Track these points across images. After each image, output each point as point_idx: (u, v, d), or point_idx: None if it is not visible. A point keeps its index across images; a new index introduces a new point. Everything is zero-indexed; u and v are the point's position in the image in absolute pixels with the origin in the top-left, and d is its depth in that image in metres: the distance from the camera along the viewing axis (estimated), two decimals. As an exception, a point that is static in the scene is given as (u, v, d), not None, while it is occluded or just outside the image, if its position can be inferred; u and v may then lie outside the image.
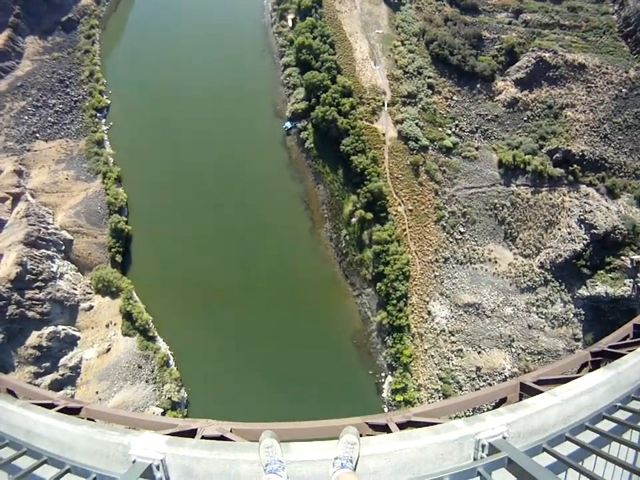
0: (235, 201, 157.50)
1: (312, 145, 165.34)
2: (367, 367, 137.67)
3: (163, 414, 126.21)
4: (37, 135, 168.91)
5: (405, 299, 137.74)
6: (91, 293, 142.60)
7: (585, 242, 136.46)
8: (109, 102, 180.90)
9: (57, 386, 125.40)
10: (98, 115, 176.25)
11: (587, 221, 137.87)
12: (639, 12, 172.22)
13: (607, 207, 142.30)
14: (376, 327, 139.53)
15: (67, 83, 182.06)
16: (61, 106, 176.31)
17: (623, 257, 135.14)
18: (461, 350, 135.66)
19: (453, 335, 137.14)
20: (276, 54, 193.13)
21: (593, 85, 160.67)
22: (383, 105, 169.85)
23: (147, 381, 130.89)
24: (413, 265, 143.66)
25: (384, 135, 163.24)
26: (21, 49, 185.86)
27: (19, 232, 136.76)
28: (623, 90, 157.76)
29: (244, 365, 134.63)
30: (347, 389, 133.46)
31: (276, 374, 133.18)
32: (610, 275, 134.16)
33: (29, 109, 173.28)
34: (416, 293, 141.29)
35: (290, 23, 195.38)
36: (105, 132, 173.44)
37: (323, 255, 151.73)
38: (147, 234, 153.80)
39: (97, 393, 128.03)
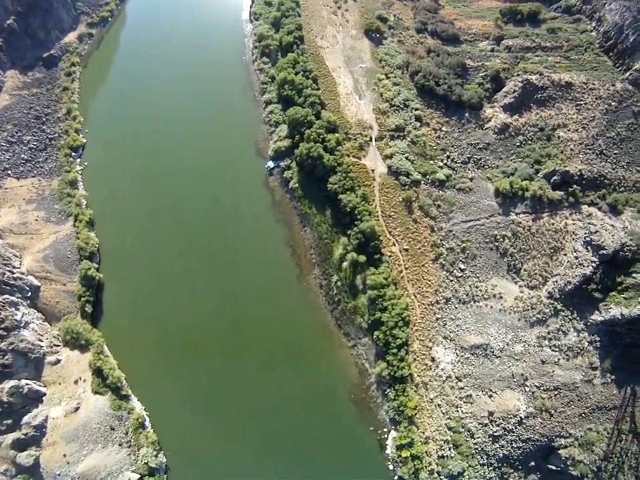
0: (215, 248, 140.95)
1: (296, 185, 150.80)
2: (368, 423, 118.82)
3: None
4: (9, 172, 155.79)
5: (405, 347, 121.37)
6: (58, 346, 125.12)
7: (594, 264, 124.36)
8: (84, 141, 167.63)
9: (20, 446, 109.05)
10: (73, 154, 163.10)
11: (593, 242, 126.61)
12: (617, 25, 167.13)
13: (612, 225, 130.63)
14: (375, 379, 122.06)
15: (44, 119, 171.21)
16: (35, 143, 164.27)
17: (634, 274, 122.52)
18: (470, 395, 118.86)
19: (461, 381, 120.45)
20: (257, 91, 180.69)
21: (582, 102, 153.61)
22: (371, 140, 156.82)
23: (120, 444, 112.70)
24: (412, 308, 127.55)
25: (373, 171, 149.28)
26: (0, 83, 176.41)
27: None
28: (613, 103, 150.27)
29: (229, 425, 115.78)
30: (347, 449, 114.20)
31: (265, 435, 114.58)
32: (623, 295, 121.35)
33: (3, 144, 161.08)
34: (417, 339, 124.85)
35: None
36: (79, 172, 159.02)
37: (313, 303, 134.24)
38: (120, 282, 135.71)
39: (64, 455, 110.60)
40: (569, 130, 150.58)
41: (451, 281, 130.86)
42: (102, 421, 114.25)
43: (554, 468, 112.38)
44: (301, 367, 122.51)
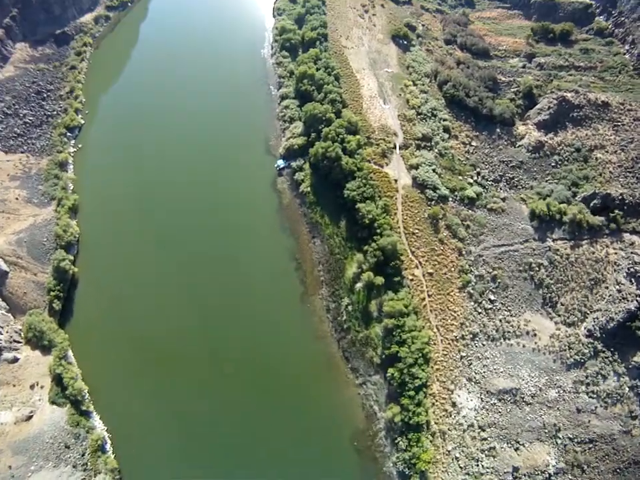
0: (209, 254, 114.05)
1: (308, 189, 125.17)
2: (371, 475, 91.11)
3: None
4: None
5: (424, 389, 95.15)
6: (19, 342, 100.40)
7: (639, 299, 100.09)
8: (82, 122, 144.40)
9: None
10: (68, 134, 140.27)
11: (638, 274, 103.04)
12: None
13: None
14: (384, 426, 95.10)
15: (45, 95, 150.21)
16: (31, 118, 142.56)
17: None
18: (494, 448, 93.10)
19: (484, 430, 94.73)
20: (274, 85, 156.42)
21: (619, 123, 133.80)
22: (395, 148, 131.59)
23: (74, 466, 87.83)
24: (434, 343, 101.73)
25: (396, 181, 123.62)
26: (8, 53, 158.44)
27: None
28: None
29: (204, 465, 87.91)
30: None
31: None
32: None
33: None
34: (438, 380, 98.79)
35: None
36: (71, 154, 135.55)
37: (317, 330, 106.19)
38: (97, 281, 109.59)
39: (9, 467, 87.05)
40: (606, 151, 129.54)
41: (479, 313, 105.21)
42: (56, 436, 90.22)
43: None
44: (298, 405, 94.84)
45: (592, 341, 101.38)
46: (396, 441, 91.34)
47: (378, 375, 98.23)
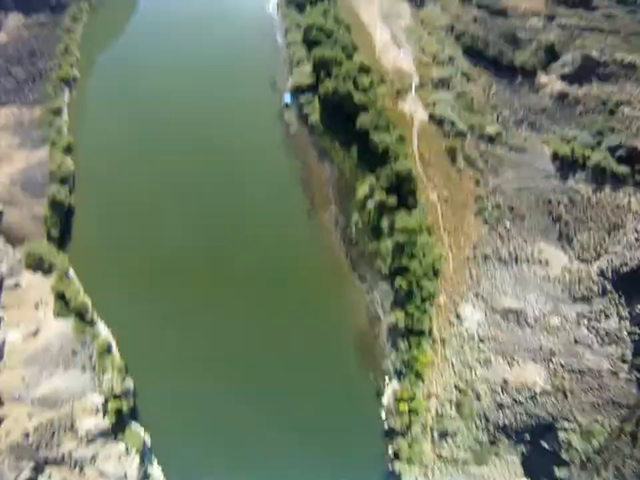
0: (210, 176, 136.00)
1: (317, 121, 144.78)
2: (368, 370, 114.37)
3: (105, 403, 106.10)
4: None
5: (431, 299, 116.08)
6: (19, 270, 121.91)
7: None
8: (77, 74, 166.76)
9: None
10: (62, 85, 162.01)
11: None
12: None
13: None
14: (387, 328, 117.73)
15: (38, 55, 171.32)
16: (24, 75, 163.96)
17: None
18: (489, 360, 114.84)
19: (483, 343, 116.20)
20: (280, 36, 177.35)
21: None
22: (410, 88, 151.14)
23: (83, 368, 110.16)
24: (446, 260, 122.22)
25: (412, 117, 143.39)
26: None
27: None
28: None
29: (208, 355, 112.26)
30: (338, 395, 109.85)
31: (248, 369, 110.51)
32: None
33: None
34: (445, 292, 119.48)
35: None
36: (65, 102, 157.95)
37: (324, 241, 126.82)
38: (94, 208, 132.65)
39: (23, 379, 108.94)
40: (633, 108, 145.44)
41: (493, 238, 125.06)
42: (63, 345, 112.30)
43: (546, 447, 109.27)
44: (298, 305, 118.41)
45: (603, 279, 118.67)
46: (396, 343, 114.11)
47: (385, 283, 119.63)
